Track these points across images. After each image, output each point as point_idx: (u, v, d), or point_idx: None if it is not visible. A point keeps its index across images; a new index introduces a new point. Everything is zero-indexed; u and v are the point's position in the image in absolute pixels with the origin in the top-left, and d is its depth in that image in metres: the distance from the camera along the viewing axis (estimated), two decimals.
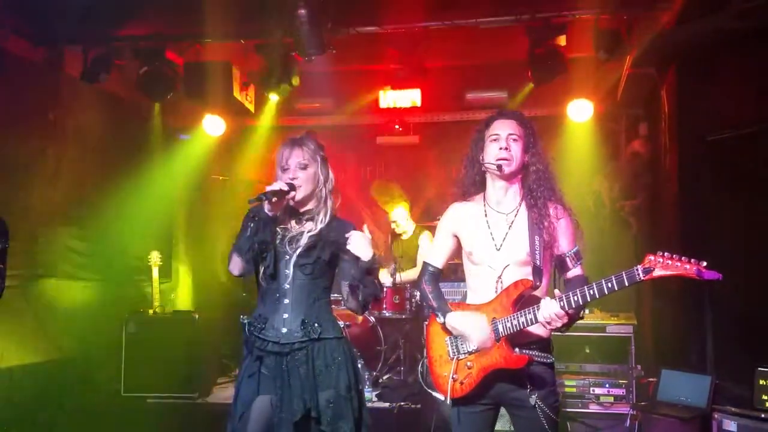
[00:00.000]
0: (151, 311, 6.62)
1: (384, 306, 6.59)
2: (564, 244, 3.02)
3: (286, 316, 3.14)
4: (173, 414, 6.06)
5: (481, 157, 3.08)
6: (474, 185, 3.17)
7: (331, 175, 3.30)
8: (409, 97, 7.67)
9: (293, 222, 3.26)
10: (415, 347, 6.57)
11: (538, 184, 3.03)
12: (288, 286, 3.17)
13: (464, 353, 3.00)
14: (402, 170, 8.64)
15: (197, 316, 6.74)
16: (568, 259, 3.01)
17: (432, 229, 7.26)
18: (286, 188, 3.11)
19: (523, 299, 2.92)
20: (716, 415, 4.76)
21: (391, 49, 6.81)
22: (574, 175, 7.75)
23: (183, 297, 8.33)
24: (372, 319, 6.62)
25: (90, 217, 6.65)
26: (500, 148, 3.00)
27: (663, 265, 2.65)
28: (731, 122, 5.37)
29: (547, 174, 3.06)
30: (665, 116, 6.47)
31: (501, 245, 3.01)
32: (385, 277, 7.06)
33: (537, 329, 2.94)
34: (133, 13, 6.08)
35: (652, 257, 2.67)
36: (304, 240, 3.20)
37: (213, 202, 8.66)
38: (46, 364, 5.96)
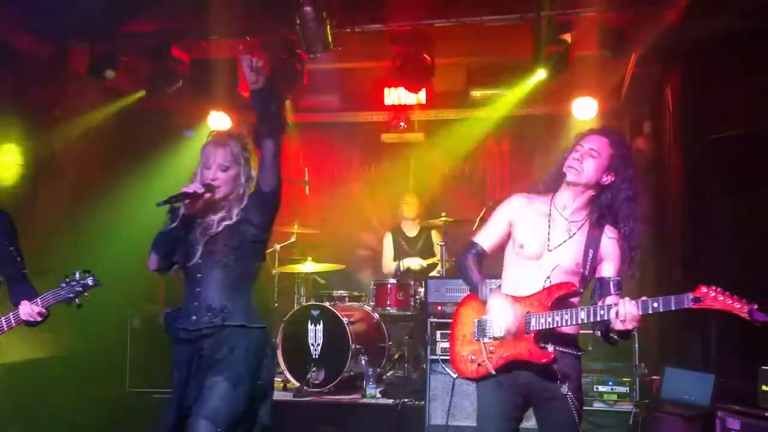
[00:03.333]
0: (156, 306, 6.64)
1: (388, 302, 6.60)
2: (610, 269, 3.04)
3: (196, 304, 3.16)
4: None
5: (565, 158, 3.09)
6: (550, 184, 3.18)
7: (253, 174, 3.30)
8: (414, 95, 7.68)
9: (209, 212, 3.25)
10: (419, 344, 6.59)
11: (610, 206, 3.05)
12: (199, 275, 3.18)
13: (489, 338, 3.01)
14: (407, 167, 8.64)
15: None
16: (611, 283, 3.01)
17: (437, 229, 7.34)
18: (201, 191, 3.12)
19: (561, 301, 2.96)
20: (720, 414, 4.76)
21: (396, 46, 6.82)
22: None
23: None
24: (376, 315, 6.63)
25: (95, 212, 6.67)
26: (574, 159, 3.03)
27: (713, 299, 2.67)
28: (736, 121, 5.37)
29: (626, 202, 3.04)
30: (670, 114, 6.47)
31: (555, 248, 3.04)
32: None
33: (568, 329, 2.99)
34: (140, 9, 6.11)
35: (705, 288, 2.69)
36: (214, 228, 3.20)
37: None
38: (49, 360, 5.98)
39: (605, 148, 3.03)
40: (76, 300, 3.63)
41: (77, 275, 3.61)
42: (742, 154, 5.31)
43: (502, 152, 8.45)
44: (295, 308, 6.60)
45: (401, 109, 8.01)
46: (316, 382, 6.11)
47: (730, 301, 2.66)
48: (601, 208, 3.07)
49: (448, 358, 4.01)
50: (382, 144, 8.42)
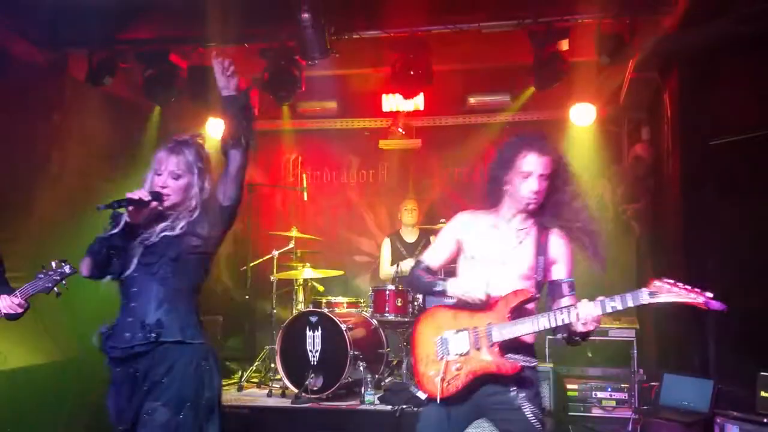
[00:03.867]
0: None
1: (387, 309, 6.59)
2: (562, 272, 3.10)
3: (130, 319, 2.95)
4: None
5: (506, 179, 3.09)
6: (491, 200, 3.20)
7: (206, 186, 3.10)
8: (412, 101, 7.70)
9: (156, 224, 3.06)
10: None
11: (554, 213, 3.10)
12: (134, 288, 2.98)
13: (455, 355, 3.02)
14: (404, 174, 8.65)
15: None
16: (564, 284, 3.08)
17: (436, 234, 7.33)
18: (147, 198, 2.94)
19: (519, 309, 2.99)
20: (718, 420, 4.76)
21: (393, 52, 6.83)
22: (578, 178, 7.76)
23: None
24: (374, 321, 6.62)
25: (93, 217, 6.64)
26: (533, 191, 3.03)
27: (668, 291, 2.73)
28: (734, 126, 5.37)
29: (568, 206, 3.11)
30: (668, 120, 6.48)
31: (507, 258, 3.08)
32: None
33: (526, 337, 3.02)
34: (138, 16, 6.12)
35: (658, 282, 2.75)
36: (152, 238, 3.00)
37: None
38: (49, 366, 5.96)
39: (551, 166, 3.07)
40: (55, 289, 3.63)
41: (53, 264, 3.61)
42: (741, 160, 5.32)
43: None
44: (294, 314, 6.59)
45: (399, 116, 8.03)
46: (315, 388, 6.09)
47: (685, 293, 2.71)
48: (547, 215, 3.12)
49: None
50: (380, 150, 8.43)
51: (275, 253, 7.15)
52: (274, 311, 7.12)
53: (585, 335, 2.93)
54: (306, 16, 5.63)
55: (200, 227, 3.05)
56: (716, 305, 2.69)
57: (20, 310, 3.63)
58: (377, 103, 7.93)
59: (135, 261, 2.97)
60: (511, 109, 7.89)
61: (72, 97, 6.59)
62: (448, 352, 3.04)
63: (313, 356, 6.19)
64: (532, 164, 3.04)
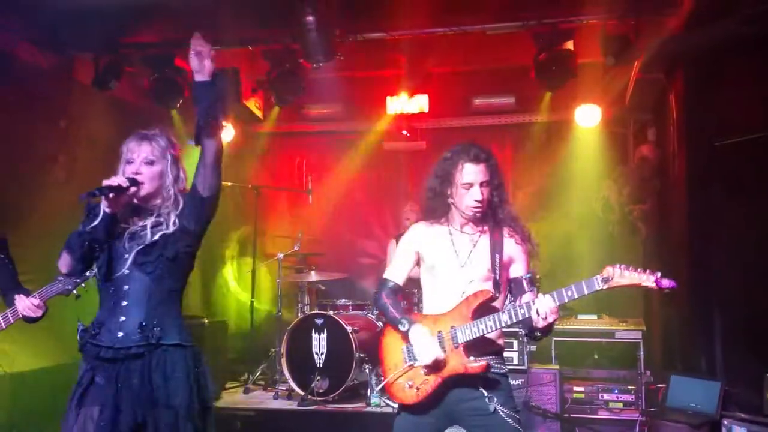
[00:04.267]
0: None
1: None
2: (520, 269, 3.18)
3: (123, 319, 2.85)
4: None
5: (449, 193, 3.18)
6: (440, 213, 3.26)
7: (182, 175, 3.05)
8: (417, 103, 7.70)
9: (135, 218, 2.98)
10: None
11: (500, 212, 3.19)
12: (127, 287, 2.88)
13: (421, 360, 3.05)
14: (409, 175, 8.64)
15: (206, 321, 6.76)
16: (524, 281, 3.15)
17: None
18: (125, 184, 2.83)
19: (482, 309, 3.03)
20: (726, 422, 4.74)
21: (398, 54, 6.83)
22: (582, 179, 7.78)
23: (194, 300, 8.36)
24: (380, 323, 6.62)
25: None
26: (476, 201, 3.11)
27: (620, 275, 2.80)
28: (740, 127, 5.36)
29: (507, 204, 3.22)
30: (673, 121, 6.46)
31: (465, 262, 3.15)
32: None
33: (493, 338, 3.08)
34: (143, 20, 6.12)
35: (610, 268, 2.83)
36: (146, 237, 2.91)
37: (221, 207, 8.69)
38: (57, 368, 5.98)
39: (488, 173, 3.14)
40: (74, 291, 3.62)
41: None
42: (747, 161, 5.30)
43: (505, 159, 8.41)
44: (299, 317, 6.59)
45: (404, 118, 8.03)
46: (321, 390, 6.10)
47: (636, 275, 2.79)
48: (495, 216, 3.19)
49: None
50: (384, 152, 8.42)
51: (280, 255, 7.16)
52: (280, 314, 7.13)
53: (545, 330, 2.97)
54: (310, 19, 5.63)
55: (187, 222, 2.98)
56: (666, 283, 2.76)
57: (39, 312, 3.62)
58: (382, 105, 7.93)
59: (129, 260, 2.88)
60: (516, 110, 7.89)
61: (78, 101, 6.60)
62: (415, 358, 3.07)
63: (319, 359, 6.20)
64: (471, 174, 3.12)
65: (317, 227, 8.29)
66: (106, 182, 2.78)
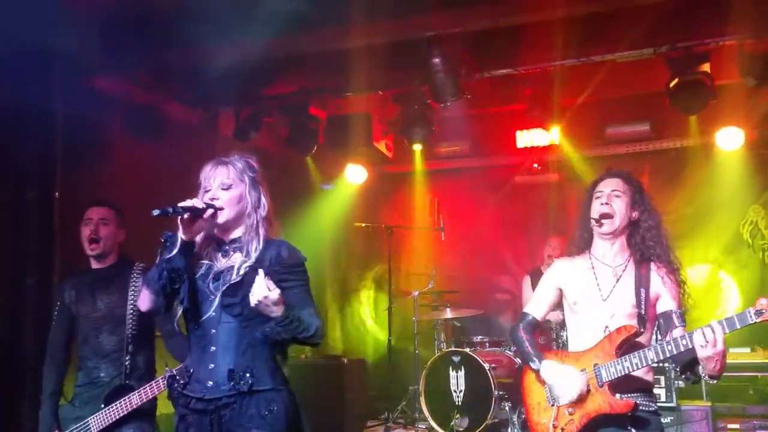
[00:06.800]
0: (303, 356, 6.86)
1: None
2: (670, 303, 3.01)
3: (212, 366, 2.66)
4: None
5: (589, 216, 3.14)
6: (583, 242, 3.23)
7: (263, 200, 2.83)
8: (547, 136, 7.63)
9: (219, 255, 2.77)
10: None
11: (645, 241, 3.07)
12: (214, 330, 2.67)
13: (565, 399, 2.98)
14: (542, 208, 8.52)
15: (346, 360, 6.92)
16: (675, 316, 2.97)
17: None
18: (201, 206, 2.63)
19: (627, 345, 2.92)
20: None
21: (526, 88, 6.81)
22: (726, 205, 7.43)
23: (333, 340, 8.60)
24: (518, 360, 6.50)
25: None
26: (602, 204, 3.07)
27: None
28: None
29: (656, 231, 3.08)
30: None
31: (607, 297, 3.05)
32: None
33: (641, 374, 2.94)
34: (280, 72, 6.46)
35: (764, 300, 2.63)
36: (232, 276, 2.69)
37: (356, 248, 8.95)
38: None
39: (623, 185, 3.09)
40: None
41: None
42: None
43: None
44: (436, 354, 6.61)
45: (534, 151, 7.97)
46: (460, 429, 6.07)
47: None
48: (639, 246, 3.07)
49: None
50: (516, 186, 8.37)
51: (415, 293, 7.23)
52: (417, 351, 7.18)
53: (714, 375, 2.73)
54: (436, 60, 5.75)
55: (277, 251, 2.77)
56: None
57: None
58: (511, 140, 7.91)
59: (215, 301, 2.68)
60: (651, 137, 7.63)
61: (222, 153, 7.01)
62: (558, 397, 2.99)
63: (458, 396, 6.19)
64: (602, 185, 3.13)
65: (451, 264, 8.32)
66: (180, 204, 2.61)
